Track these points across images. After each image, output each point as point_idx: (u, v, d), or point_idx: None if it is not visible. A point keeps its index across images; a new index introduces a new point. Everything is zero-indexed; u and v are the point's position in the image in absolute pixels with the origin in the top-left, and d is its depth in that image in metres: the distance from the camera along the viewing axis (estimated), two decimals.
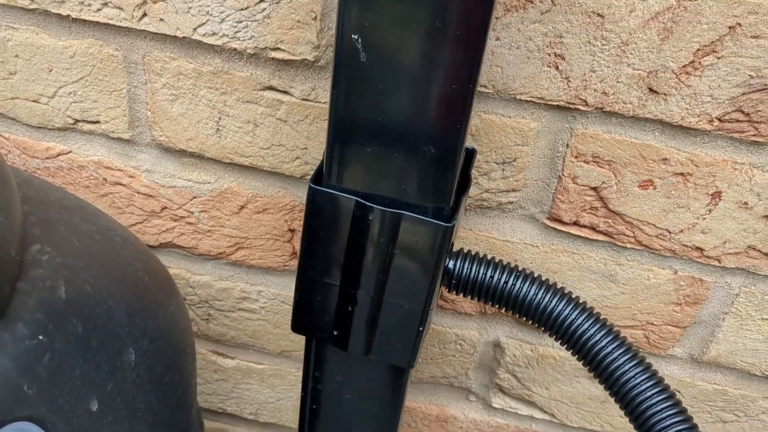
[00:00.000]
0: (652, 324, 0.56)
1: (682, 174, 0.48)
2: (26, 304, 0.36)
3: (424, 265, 0.44)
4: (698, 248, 0.52)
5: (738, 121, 0.46)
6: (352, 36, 0.37)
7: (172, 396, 0.48)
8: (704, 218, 0.50)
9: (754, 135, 0.46)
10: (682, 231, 0.51)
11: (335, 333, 0.49)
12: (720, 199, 0.49)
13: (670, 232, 0.51)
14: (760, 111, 0.45)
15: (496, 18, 0.44)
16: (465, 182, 0.46)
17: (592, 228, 0.52)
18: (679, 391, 0.60)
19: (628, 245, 0.53)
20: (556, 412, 0.64)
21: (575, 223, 0.52)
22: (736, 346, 0.56)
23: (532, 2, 0.43)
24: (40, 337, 0.35)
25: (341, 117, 0.40)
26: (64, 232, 0.42)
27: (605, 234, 0.52)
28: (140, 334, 0.43)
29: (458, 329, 0.61)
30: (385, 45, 0.37)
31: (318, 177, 0.43)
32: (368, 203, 0.42)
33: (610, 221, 0.52)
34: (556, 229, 0.53)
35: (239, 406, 0.73)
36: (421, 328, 0.47)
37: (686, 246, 0.52)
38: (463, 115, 0.39)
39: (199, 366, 0.70)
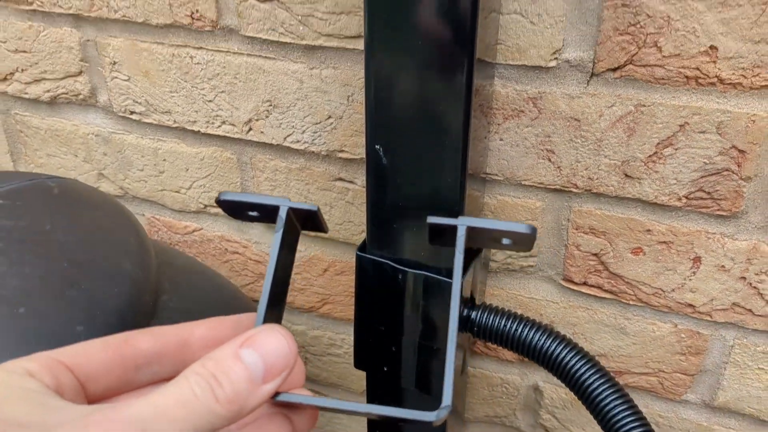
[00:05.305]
0: (663, 371, 0.65)
1: (665, 242, 0.59)
2: None
3: (444, 313, 0.57)
4: (690, 305, 0.61)
5: (702, 198, 0.56)
6: (376, 146, 0.52)
7: None
8: (690, 279, 0.60)
9: (717, 210, 0.56)
10: (674, 290, 0.61)
11: (385, 369, 0.63)
12: (701, 263, 0.59)
13: (663, 291, 0.61)
14: (718, 190, 0.55)
15: (498, 124, 0.58)
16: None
17: (599, 287, 0.63)
18: None
19: (631, 302, 0.63)
20: None
21: (585, 283, 0.63)
22: (741, 393, 0.64)
23: (523, 111, 0.57)
24: None
25: (373, 203, 0.55)
26: (186, 287, 0.59)
27: (611, 292, 0.63)
28: None
29: (502, 374, 0.72)
30: (398, 152, 0.52)
31: (363, 246, 0.58)
32: (398, 266, 0.56)
33: (612, 282, 0.62)
34: (570, 289, 0.64)
35: None
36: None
37: (680, 303, 0.61)
38: (460, 198, 0.52)
39: None
